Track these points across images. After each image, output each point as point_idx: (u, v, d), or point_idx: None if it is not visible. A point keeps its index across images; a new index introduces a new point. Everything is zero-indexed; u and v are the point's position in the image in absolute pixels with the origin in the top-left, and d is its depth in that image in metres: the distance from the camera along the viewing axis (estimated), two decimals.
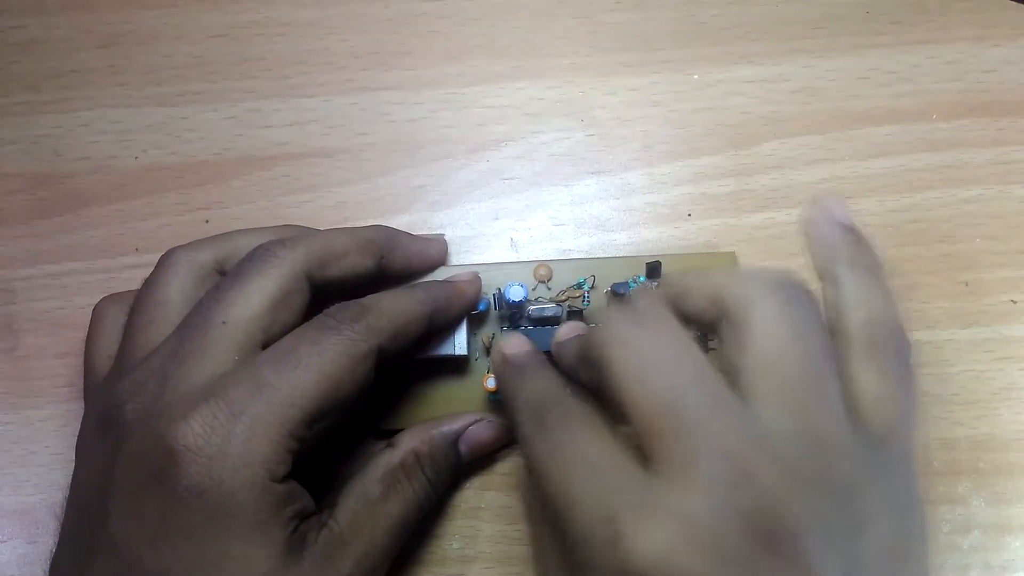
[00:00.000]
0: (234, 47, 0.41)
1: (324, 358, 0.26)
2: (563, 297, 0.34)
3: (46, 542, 0.34)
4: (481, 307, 0.33)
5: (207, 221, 0.38)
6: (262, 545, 0.25)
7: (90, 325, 0.32)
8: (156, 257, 0.36)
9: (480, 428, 0.32)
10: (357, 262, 0.30)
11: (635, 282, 0.34)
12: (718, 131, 0.39)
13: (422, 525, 0.32)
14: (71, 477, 0.30)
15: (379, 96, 0.40)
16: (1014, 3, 0.41)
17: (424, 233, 0.35)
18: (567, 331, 0.31)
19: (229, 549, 0.25)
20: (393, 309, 0.29)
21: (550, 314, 0.33)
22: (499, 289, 0.34)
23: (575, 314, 0.34)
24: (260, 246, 0.29)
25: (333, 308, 0.28)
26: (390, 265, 0.32)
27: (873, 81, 0.39)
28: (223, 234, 0.32)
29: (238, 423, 0.25)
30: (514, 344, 0.30)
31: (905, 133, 0.38)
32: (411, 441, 0.31)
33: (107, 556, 0.25)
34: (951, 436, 0.34)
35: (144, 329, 0.29)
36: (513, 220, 0.38)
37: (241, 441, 0.25)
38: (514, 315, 0.33)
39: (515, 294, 0.32)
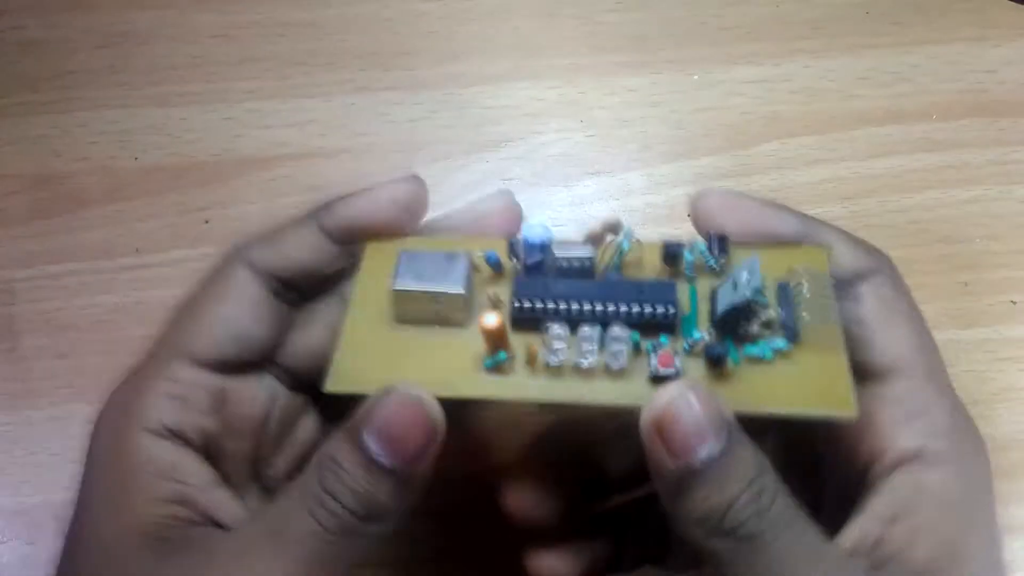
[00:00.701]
0: (233, 48, 0.41)
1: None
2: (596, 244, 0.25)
3: (46, 543, 0.34)
4: (490, 258, 0.24)
5: (207, 221, 0.38)
6: None
7: None
8: (156, 258, 0.36)
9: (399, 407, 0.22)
10: (300, 238, 0.25)
11: (691, 251, 0.24)
12: (718, 131, 0.39)
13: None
14: None
15: (378, 96, 0.40)
16: (1014, 3, 0.41)
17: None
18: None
19: None
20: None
21: (581, 263, 0.24)
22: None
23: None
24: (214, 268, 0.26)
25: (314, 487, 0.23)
26: (339, 231, 0.26)
27: (873, 81, 0.39)
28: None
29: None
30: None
31: (905, 133, 0.38)
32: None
33: None
34: None
35: None
36: None
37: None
38: (535, 266, 0.24)
39: (536, 234, 0.24)
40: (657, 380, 0.22)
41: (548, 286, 0.23)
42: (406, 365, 0.23)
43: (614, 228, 0.25)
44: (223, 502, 0.24)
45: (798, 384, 0.22)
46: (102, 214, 0.38)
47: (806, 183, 0.38)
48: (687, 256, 0.24)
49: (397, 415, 0.22)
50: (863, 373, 0.23)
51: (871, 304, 0.24)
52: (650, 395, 0.21)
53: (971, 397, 0.34)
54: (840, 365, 0.22)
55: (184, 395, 0.24)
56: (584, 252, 0.24)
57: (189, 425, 0.24)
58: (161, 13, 0.41)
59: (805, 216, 0.25)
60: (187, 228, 0.38)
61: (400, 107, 0.40)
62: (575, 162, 0.39)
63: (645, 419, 0.21)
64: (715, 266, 0.24)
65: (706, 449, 0.20)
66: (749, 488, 0.20)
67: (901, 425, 0.23)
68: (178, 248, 0.37)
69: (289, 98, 0.40)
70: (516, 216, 0.26)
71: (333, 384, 0.23)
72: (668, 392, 0.21)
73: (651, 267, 0.25)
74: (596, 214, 0.38)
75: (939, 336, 0.35)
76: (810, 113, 0.39)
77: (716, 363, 0.22)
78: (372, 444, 0.21)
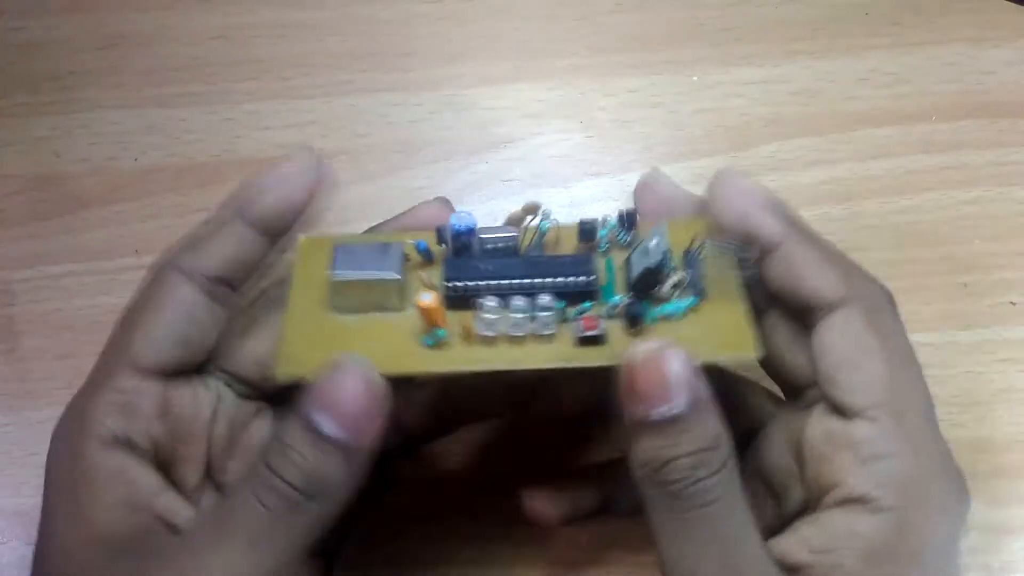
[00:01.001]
0: (233, 49, 0.41)
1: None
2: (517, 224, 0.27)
3: None
4: (420, 246, 0.26)
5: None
6: None
7: None
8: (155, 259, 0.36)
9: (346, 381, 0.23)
10: (226, 237, 0.26)
11: (604, 227, 0.27)
12: (718, 132, 0.39)
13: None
14: None
15: (378, 97, 0.40)
16: (1014, 4, 0.41)
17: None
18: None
19: None
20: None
21: (505, 243, 0.26)
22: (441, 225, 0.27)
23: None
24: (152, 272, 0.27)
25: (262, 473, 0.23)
26: (263, 222, 0.26)
27: (872, 82, 0.39)
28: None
29: None
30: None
31: (904, 134, 0.38)
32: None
33: None
34: (950, 438, 0.33)
35: None
36: None
37: None
38: (462, 249, 0.26)
39: (462, 220, 0.25)
40: (584, 341, 0.24)
41: (477, 266, 0.25)
42: (350, 348, 0.24)
43: (534, 210, 0.26)
44: (175, 506, 0.25)
45: (705, 335, 0.25)
46: (102, 215, 0.38)
47: (806, 184, 0.38)
48: (601, 232, 0.27)
49: (344, 386, 0.22)
50: (833, 408, 0.24)
51: (835, 338, 0.24)
52: (578, 355, 0.24)
53: (971, 397, 0.34)
54: (739, 313, 0.25)
55: (129, 403, 0.24)
56: (507, 233, 0.26)
57: (136, 432, 0.24)
58: (161, 14, 0.41)
59: (792, 227, 0.25)
60: (187, 229, 0.38)
61: (400, 108, 0.40)
62: (575, 163, 0.39)
63: (625, 363, 0.22)
64: (625, 239, 0.27)
65: (669, 406, 0.22)
66: (696, 454, 0.22)
67: (855, 467, 0.23)
68: None
69: (289, 99, 0.40)
70: (445, 213, 0.28)
71: (281, 369, 0.24)
72: (651, 345, 0.23)
73: (569, 245, 0.27)
74: (596, 214, 0.38)
75: (939, 337, 0.35)
76: (810, 114, 0.39)
77: (633, 322, 0.25)
78: (319, 416, 0.22)
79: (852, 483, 0.23)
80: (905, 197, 0.37)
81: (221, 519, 0.23)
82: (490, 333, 0.24)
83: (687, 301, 0.25)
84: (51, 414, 0.35)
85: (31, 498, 0.34)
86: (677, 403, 0.22)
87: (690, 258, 0.26)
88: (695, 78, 0.40)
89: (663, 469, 0.22)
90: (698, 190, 0.38)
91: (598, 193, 0.38)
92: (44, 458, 0.34)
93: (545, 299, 0.25)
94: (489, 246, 0.26)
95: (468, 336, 0.25)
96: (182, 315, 0.25)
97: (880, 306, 0.25)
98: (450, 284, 0.25)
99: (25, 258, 0.38)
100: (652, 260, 0.25)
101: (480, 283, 0.25)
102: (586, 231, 0.27)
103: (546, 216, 0.27)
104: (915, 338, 0.35)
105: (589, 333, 0.24)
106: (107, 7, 0.41)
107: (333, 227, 0.38)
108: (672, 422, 0.22)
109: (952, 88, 0.39)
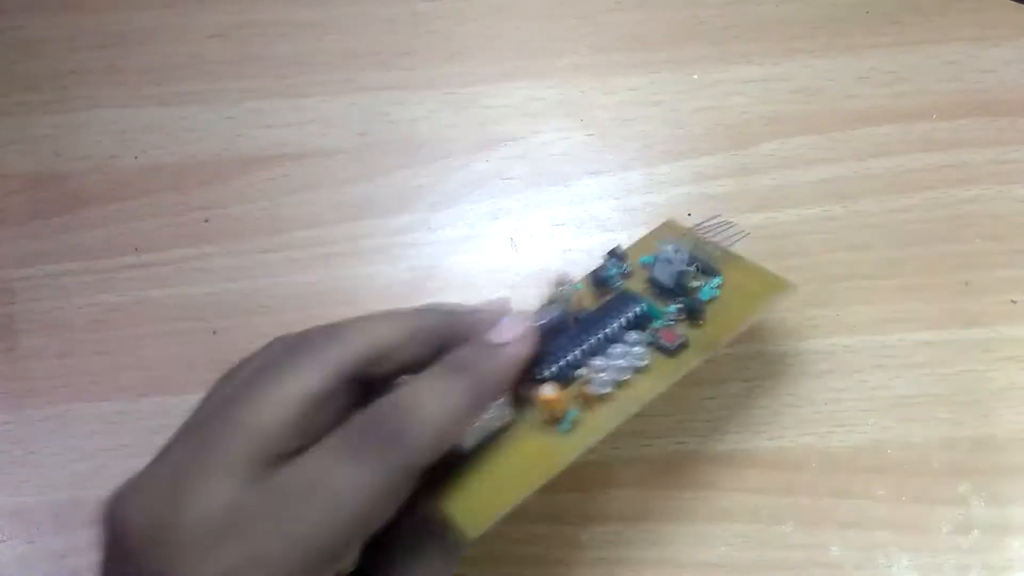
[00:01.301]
0: (233, 47, 0.41)
1: (359, 494, 0.23)
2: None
3: (45, 542, 0.34)
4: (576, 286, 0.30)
5: (206, 221, 0.38)
6: None
7: None
8: (156, 257, 0.36)
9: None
10: (413, 355, 0.26)
11: (608, 270, 0.31)
12: (718, 131, 0.39)
13: None
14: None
15: (378, 96, 0.40)
16: (1014, 3, 0.41)
17: (482, 303, 0.29)
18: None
19: None
20: (433, 424, 0.24)
21: (555, 320, 0.29)
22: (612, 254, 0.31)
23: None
24: (304, 339, 0.25)
25: (365, 425, 0.24)
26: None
27: (873, 81, 0.39)
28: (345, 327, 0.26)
29: (254, 565, 0.22)
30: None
31: (905, 133, 0.38)
32: None
33: None
34: (951, 436, 0.34)
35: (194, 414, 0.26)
36: (513, 220, 0.38)
37: None
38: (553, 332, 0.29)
39: (547, 316, 0.28)
40: (672, 352, 0.28)
41: (553, 348, 0.28)
42: (504, 475, 0.26)
43: (564, 281, 0.30)
44: None
45: (746, 296, 0.29)
46: (102, 214, 0.38)
47: (806, 183, 0.38)
48: (610, 274, 0.31)
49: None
50: None
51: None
52: (679, 365, 0.27)
53: (972, 396, 0.34)
54: (753, 268, 0.30)
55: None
56: (555, 311, 0.29)
57: None
58: (161, 13, 0.41)
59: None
60: (187, 228, 0.38)
61: (400, 107, 0.40)
62: (575, 161, 0.39)
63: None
64: (628, 269, 0.31)
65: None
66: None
67: None
68: (178, 248, 0.37)
69: (289, 97, 0.40)
70: (528, 331, 0.28)
71: (471, 532, 0.24)
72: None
73: (588, 298, 0.30)
74: (596, 213, 0.38)
75: (940, 335, 0.35)
76: (810, 113, 0.39)
77: (696, 316, 0.29)
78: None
79: None
80: (905, 195, 0.37)
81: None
82: (607, 389, 0.27)
83: (714, 281, 0.29)
84: (51, 412, 0.36)
85: (31, 496, 0.34)
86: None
87: (686, 253, 0.30)
88: (695, 76, 0.40)
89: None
90: (698, 189, 0.38)
91: (598, 191, 0.38)
92: (44, 457, 0.35)
93: (632, 336, 0.28)
94: (543, 324, 0.28)
95: (588, 403, 0.27)
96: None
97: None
98: (545, 369, 0.27)
99: (25, 257, 0.38)
100: (680, 263, 0.29)
101: (568, 356, 0.27)
102: (599, 279, 0.31)
103: (569, 282, 0.30)
104: (916, 336, 0.36)
105: (678, 343, 0.27)
106: (107, 6, 0.41)
107: (333, 225, 0.38)
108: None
109: (952, 87, 0.39)
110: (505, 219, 0.38)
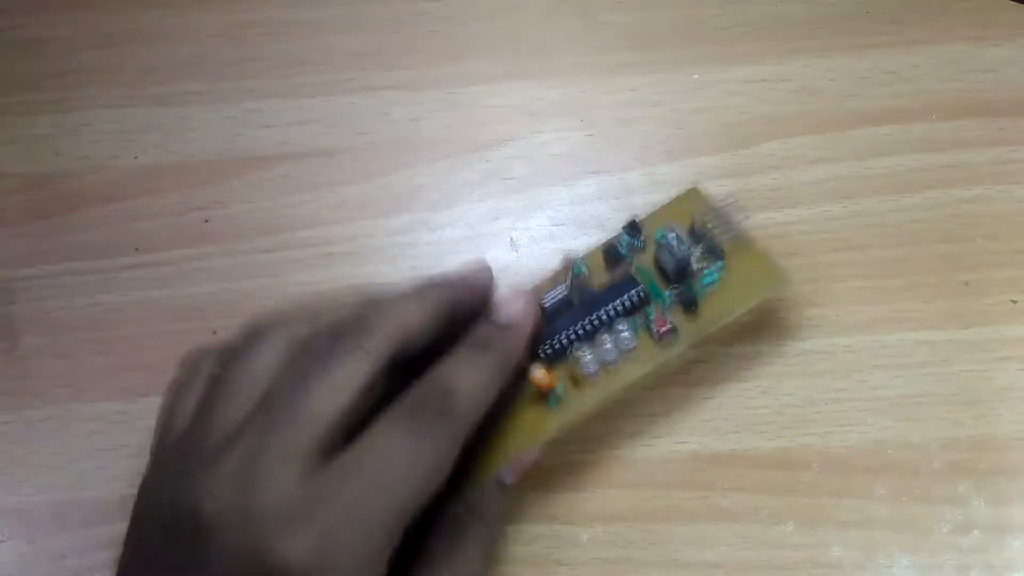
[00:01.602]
0: (234, 47, 0.41)
1: (422, 463, 0.25)
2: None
3: (45, 542, 0.34)
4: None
5: (207, 221, 0.38)
6: None
7: (178, 376, 0.30)
8: (156, 256, 0.36)
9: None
10: (435, 331, 0.28)
11: (620, 244, 0.32)
12: (718, 131, 0.39)
13: None
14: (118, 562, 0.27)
15: (379, 96, 0.40)
16: (1014, 3, 0.41)
17: (464, 266, 0.31)
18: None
19: None
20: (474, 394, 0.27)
21: (559, 299, 0.31)
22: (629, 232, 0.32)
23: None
24: (341, 331, 0.27)
25: (416, 403, 0.26)
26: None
27: (873, 81, 0.39)
28: (309, 308, 0.29)
29: (342, 536, 0.24)
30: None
31: (905, 133, 0.38)
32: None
33: None
34: (951, 436, 0.34)
35: (229, 402, 0.27)
36: (513, 220, 0.38)
37: (350, 554, 0.24)
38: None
39: (553, 297, 0.31)
40: (664, 337, 0.30)
41: (552, 327, 0.30)
42: (499, 444, 0.29)
43: (570, 263, 0.31)
44: None
45: (746, 284, 0.30)
46: (102, 214, 0.38)
47: (806, 182, 0.38)
48: (621, 248, 0.32)
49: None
50: None
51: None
52: (664, 351, 0.30)
53: (972, 396, 0.34)
54: (758, 254, 0.31)
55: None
56: (559, 291, 0.31)
57: None
58: (162, 12, 0.41)
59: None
60: (187, 228, 0.38)
61: (401, 106, 0.40)
62: (575, 161, 0.39)
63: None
64: (641, 243, 0.32)
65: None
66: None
67: None
68: (178, 248, 0.37)
69: (290, 97, 0.40)
70: (532, 308, 0.30)
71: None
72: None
73: (598, 270, 0.32)
74: (596, 213, 0.38)
75: (939, 335, 0.35)
76: (810, 112, 0.39)
77: (689, 305, 0.30)
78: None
79: None
80: (905, 195, 0.37)
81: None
82: (594, 369, 0.29)
83: (717, 266, 0.31)
84: (51, 412, 0.36)
85: (31, 496, 0.34)
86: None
87: (697, 232, 0.31)
88: (695, 76, 0.40)
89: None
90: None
91: (599, 191, 0.38)
92: (44, 457, 0.35)
93: (620, 324, 0.30)
94: (547, 305, 0.30)
95: (578, 382, 0.29)
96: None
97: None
98: (544, 348, 0.30)
99: (25, 256, 0.38)
100: (679, 252, 0.30)
101: (563, 337, 0.30)
102: (609, 254, 0.32)
103: (575, 262, 0.31)
104: (915, 336, 0.36)
105: (666, 329, 0.30)
106: (107, 5, 0.41)
107: (333, 225, 0.38)
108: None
109: (953, 86, 0.39)
110: (505, 219, 0.38)
